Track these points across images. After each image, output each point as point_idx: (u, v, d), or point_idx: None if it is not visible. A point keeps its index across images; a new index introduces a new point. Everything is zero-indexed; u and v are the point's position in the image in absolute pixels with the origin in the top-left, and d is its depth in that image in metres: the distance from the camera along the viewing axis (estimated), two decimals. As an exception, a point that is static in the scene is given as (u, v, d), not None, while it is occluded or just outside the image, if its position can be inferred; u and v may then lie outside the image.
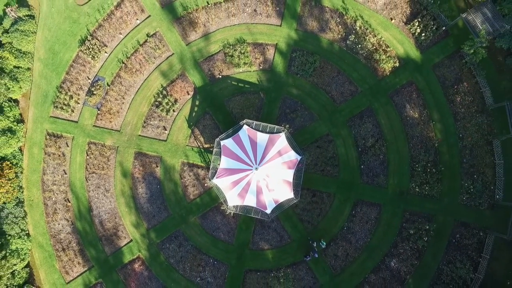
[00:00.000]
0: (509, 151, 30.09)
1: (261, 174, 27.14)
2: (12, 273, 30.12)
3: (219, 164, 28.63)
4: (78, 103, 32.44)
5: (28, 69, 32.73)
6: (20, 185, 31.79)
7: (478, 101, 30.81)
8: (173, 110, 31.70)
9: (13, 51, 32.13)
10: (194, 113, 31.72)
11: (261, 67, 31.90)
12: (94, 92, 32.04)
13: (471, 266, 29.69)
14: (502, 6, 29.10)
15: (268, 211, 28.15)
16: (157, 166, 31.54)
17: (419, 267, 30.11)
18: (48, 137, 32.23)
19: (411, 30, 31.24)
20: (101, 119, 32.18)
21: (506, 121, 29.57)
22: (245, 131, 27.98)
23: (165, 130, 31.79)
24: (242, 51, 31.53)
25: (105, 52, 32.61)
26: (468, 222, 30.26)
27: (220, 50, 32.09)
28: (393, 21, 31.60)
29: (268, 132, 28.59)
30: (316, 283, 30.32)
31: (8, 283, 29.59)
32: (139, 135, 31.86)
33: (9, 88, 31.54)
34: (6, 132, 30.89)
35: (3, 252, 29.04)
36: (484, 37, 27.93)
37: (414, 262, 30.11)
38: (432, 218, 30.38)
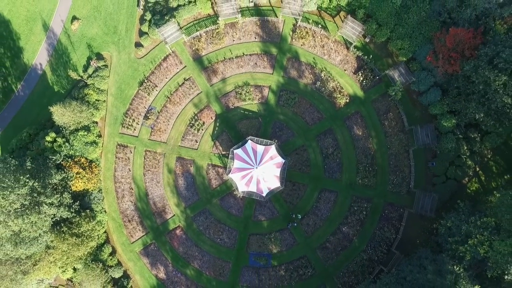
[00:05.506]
0: (417, 157, 46.69)
1: (260, 171, 43.38)
2: (97, 236, 46.26)
3: (232, 165, 44.74)
4: (138, 124, 48.70)
5: (104, 101, 48.98)
6: (100, 178, 47.99)
7: (400, 124, 47.45)
8: (202, 129, 48.08)
9: (94, 89, 48.41)
10: (215, 131, 48.11)
11: (259, 101, 48.36)
12: (149, 117, 48.38)
13: (394, 230, 46.24)
14: (412, 65, 45.85)
15: (264, 195, 44.44)
16: (191, 166, 47.88)
17: (361, 231, 46.56)
18: (118, 146, 48.46)
19: (357, 77, 47.88)
20: (153, 135, 48.47)
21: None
22: (249, 144, 44.26)
23: (196, 142, 48.14)
24: (247, 91, 48.02)
25: (156, 90, 48.94)
26: (393, 202, 46.80)
27: (233, 90, 48.52)
28: (346, 71, 48.25)
29: (264, 145, 44.88)
30: (295, 242, 46.70)
31: (97, 242, 45.73)
32: (179, 146, 48.20)
33: (93, 114, 47.66)
34: (93, 143, 47.09)
35: (95, 221, 45.20)
36: (399, 86, 44.68)
37: (358, 228, 46.58)
38: (370, 200, 46.91)
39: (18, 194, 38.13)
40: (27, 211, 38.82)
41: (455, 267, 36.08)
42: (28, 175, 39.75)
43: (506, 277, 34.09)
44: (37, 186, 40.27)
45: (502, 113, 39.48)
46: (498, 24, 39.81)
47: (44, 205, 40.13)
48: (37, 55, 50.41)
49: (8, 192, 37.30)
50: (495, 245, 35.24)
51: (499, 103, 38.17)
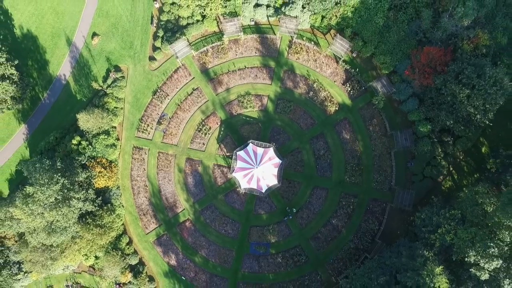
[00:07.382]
0: (398, 158, 53.04)
1: (260, 171, 49.59)
2: (117, 227, 52.44)
3: (235, 165, 50.89)
4: (152, 128, 54.92)
5: (122, 108, 55.19)
6: (118, 177, 54.19)
7: (383, 129, 53.83)
8: (208, 133, 54.37)
9: (113, 97, 54.62)
10: (220, 135, 54.39)
11: (259, 109, 54.65)
12: (162, 122, 54.64)
13: (377, 222, 52.55)
14: (393, 77, 52.25)
15: (263, 191, 50.71)
16: (199, 166, 54.15)
17: (349, 224, 52.88)
18: (134, 149, 54.67)
19: (345, 88, 54.25)
20: (165, 138, 54.72)
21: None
22: (250, 146, 50.49)
23: (204, 145, 54.42)
24: (249, 99, 54.32)
25: (168, 99, 55.18)
26: (376, 198, 53.13)
27: (236, 98, 54.82)
28: (335, 83, 54.63)
29: (263, 147, 51.12)
30: (291, 233, 52.99)
31: (116, 232, 51.93)
32: (189, 148, 54.45)
33: (112, 120, 53.86)
34: (112, 146, 53.29)
35: (115, 214, 51.41)
36: (381, 96, 51.08)
37: (346, 220, 52.89)
38: (356, 196, 53.22)
39: (53, 190, 44.37)
40: (59, 204, 45.07)
41: (425, 252, 42.40)
42: (59, 174, 45.97)
43: (466, 259, 40.39)
44: (66, 183, 46.48)
45: (468, 121, 45.91)
46: (465, 44, 46.23)
47: (73, 199, 46.36)
48: (61, 67, 56.54)
49: (45, 188, 43.55)
50: (459, 233, 41.60)
51: (464, 112, 44.61)
